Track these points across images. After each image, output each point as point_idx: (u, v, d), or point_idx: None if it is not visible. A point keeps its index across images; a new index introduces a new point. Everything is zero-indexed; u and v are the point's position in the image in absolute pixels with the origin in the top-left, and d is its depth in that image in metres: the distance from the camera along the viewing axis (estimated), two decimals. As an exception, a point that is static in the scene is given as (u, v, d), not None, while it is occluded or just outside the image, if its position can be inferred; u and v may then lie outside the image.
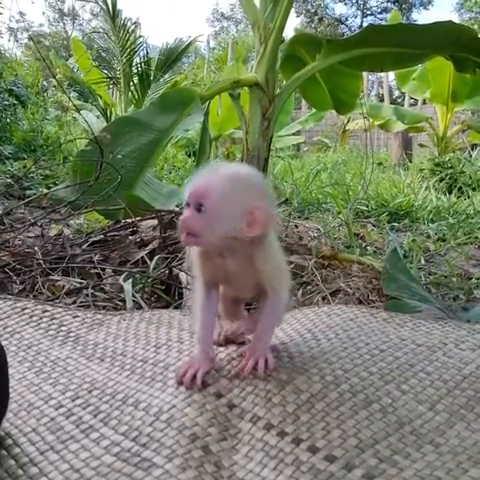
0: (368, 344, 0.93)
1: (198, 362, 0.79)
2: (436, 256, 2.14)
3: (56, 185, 2.92)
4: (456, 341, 0.97)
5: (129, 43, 6.79)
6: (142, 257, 1.65)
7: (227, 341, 0.91)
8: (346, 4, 24.23)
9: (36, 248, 1.65)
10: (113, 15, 6.67)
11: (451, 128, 7.19)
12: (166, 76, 7.06)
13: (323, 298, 1.47)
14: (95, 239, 1.81)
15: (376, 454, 0.64)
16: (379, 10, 24.05)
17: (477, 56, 2.04)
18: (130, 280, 1.42)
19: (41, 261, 1.55)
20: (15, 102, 5.14)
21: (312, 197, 3.30)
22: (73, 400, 0.80)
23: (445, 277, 1.80)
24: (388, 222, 2.81)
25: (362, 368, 0.84)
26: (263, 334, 0.83)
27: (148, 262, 1.59)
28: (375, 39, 2.06)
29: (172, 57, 7.15)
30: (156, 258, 1.56)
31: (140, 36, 7.08)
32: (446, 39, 2.00)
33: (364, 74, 6.74)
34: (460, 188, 4.41)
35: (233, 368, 0.83)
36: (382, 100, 10.84)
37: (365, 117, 4.60)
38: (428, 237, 2.53)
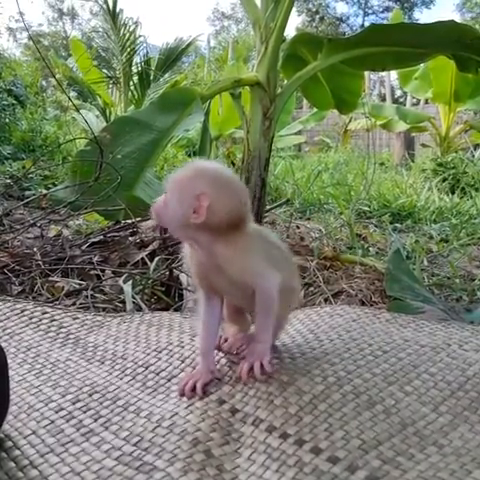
0: (371, 345, 0.92)
1: (199, 373, 0.82)
2: (439, 257, 2.13)
3: (55, 186, 2.92)
4: (460, 342, 0.96)
5: (129, 43, 6.77)
6: (142, 258, 1.65)
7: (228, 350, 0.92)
8: (347, 3, 24.16)
9: (35, 249, 1.65)
10: (113, 14, 6.66)
11: (453, 128, 7.15)
12: (166, 76, 7.03)
13: (325, 300, 1.46)
14: (95, 240, 1.81)
15: (379, 455, 0.64)
16: (381, 9, 23.96)
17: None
18: (130, 281, 1.41)
19: (40, 262, 1.54)
20: (14, 102, 5.15)
21: (314, 197, 3.29)
22: (73, 403, 0.79)
23: (448, 278, 1.79)
24: (390, 223, 2.79)
25: (365, 369, 0.83)
26: (259, 335, 0.83)
27: (148, 263, 1.58)
28: (377, 38, 2.05)
29: (172, 57, 7.12)
30: (156, 259, 1.55)
31: (140, 36, 7.06)
32: (448, 38, 1.99)
33: (366, 73, 6.75)
34: (463, 188, 4.39)
35: (235, 373, 0.83)
36: (384, 100, 10.83)
37: (367, 117, 4.59)
38: (431, 238, 2.52)
